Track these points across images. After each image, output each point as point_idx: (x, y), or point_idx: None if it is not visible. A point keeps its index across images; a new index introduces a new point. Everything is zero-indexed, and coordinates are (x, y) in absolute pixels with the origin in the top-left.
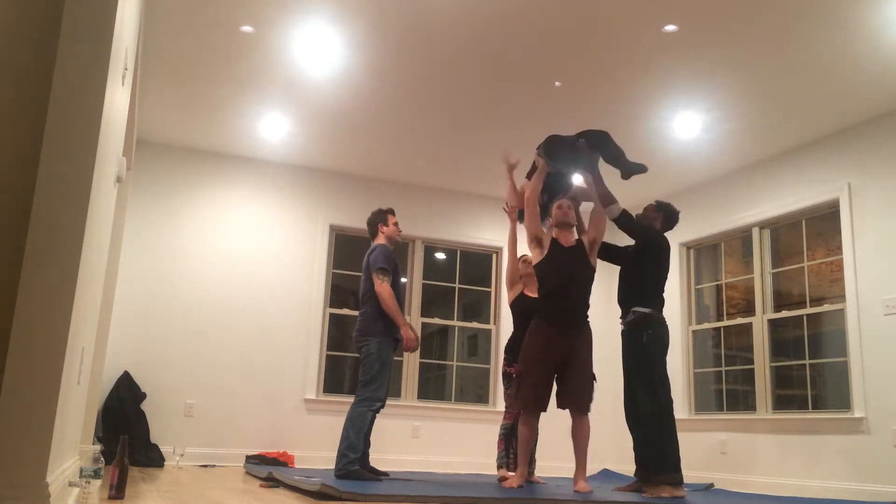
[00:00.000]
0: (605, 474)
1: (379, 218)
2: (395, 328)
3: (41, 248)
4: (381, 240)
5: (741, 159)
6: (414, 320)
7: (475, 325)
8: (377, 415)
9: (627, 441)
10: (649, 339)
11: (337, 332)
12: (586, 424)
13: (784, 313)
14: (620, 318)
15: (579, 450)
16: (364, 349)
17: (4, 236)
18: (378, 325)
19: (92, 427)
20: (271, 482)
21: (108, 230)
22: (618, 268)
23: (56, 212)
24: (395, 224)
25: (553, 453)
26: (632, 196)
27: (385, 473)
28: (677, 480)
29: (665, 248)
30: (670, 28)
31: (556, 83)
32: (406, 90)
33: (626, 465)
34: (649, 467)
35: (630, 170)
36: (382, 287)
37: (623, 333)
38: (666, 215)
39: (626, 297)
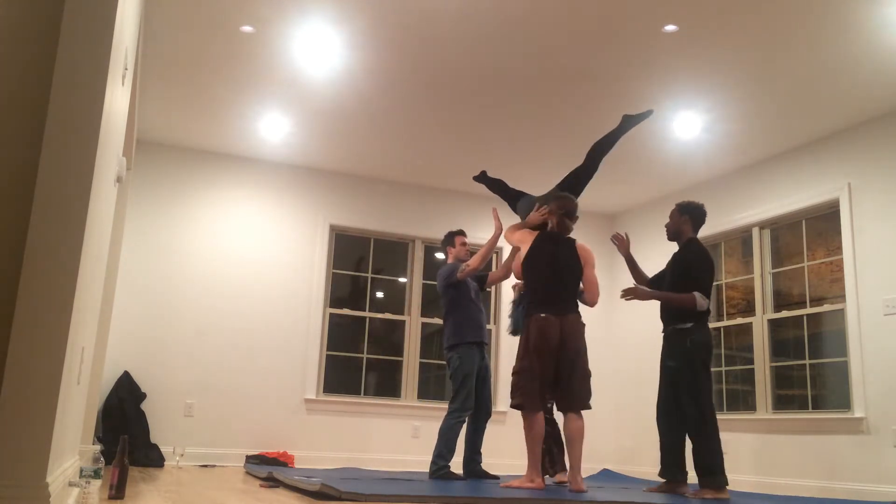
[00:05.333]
0: (605, 474)
1: (447, 241)
2: (475, 336)
3: (41, 248)
4: (450, 259)
5: (741, 159)
6: (414, 320)
7: None
8: (463, 422)
9: (627, 441)
10: (692, 343)
11: (337, 332)
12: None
13: (784, 313)
14: (662, 331)
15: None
16: (449, 363)
17: (4, 236)
18: (457, 337)
19: (92, 427)
20: (271, 482)
21: (108, 230)
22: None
23: (56, 212)
24: (463, 244)
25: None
26: (633, 196)
27: (495, 476)
28: (721, 483)
29: (707, 263)
30: (670, 28)
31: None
32: (406, 90)
33: (627, 465)
34: (700, 472)
35: (633, 122)
36: (464, 273)
37: (665, 338)
38: (692, 216)
39: (669, 315)
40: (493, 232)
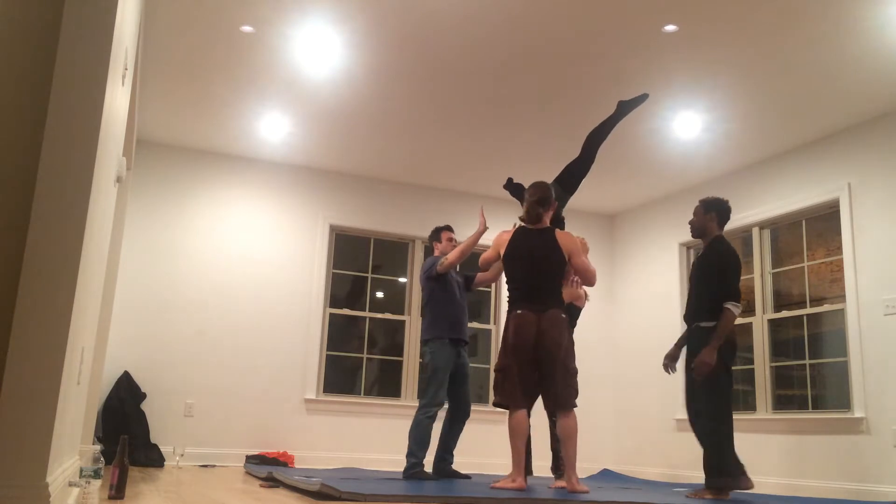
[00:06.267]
0: (605, 474)
1: (434, 237)
2: (451, 332)
3: (41, 248)
4: (436, 255)
5: (741, 159)
6: (414, 320)
7: (475, 325)
8: (437, 419)
9: (627, 441)
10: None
11: (337, 332)
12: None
13: (784, 313)
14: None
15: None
16: (423, 357)
17: (4, 236)
18: (431, 331)
19: (92, 427)
20: (271, 482)
21: (108, 230)
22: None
23: (56, 212)
24: (449, 240)
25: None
26: (633, 196)
27: (467, 476)
28: (726, 486)
29: (735, 262)
30: (670, 28)
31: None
32: (406, 90)
33: (627, 465)
34: (707, 471)
35: (629, 107)
36: (443, 267)
37: (689, 336)
38: (718, 213)
39: (694, 314)
40: (476, 229)
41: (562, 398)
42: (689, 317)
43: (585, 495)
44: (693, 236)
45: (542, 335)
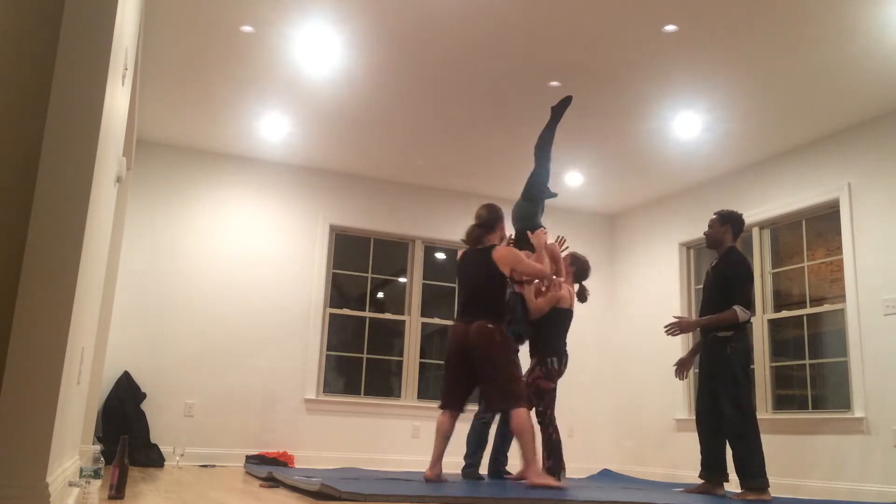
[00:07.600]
0: (605, 474)
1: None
2: None
3: (41, 248)
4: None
5: (741, 159)
6: (414, 320)
7: None
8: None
9: (627, 441)
10: (732, 350)
11: (337, 332)
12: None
13: (784, 313)
14: (702, 338)
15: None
16: None
17: (4, 236)
18: None
19: (92, 427)
20: (271, 482)
21: (108, 230)
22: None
23: (56, 212)
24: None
25: None
26: (633, 196)
27: (508, 473)
28: (763, 486)
29: (747, 272)
30: (670, 28)
31: (553, 83)
32: (406, 90)
33: (627, 465)
34: (742, 475)
35: (561, 110)
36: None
37: (705, 345)
38: (734, 225)
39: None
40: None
41: (493, 401)
42: (704, 327)
43: (581, 494)
44: (708, 247)
45: (470, 345)
